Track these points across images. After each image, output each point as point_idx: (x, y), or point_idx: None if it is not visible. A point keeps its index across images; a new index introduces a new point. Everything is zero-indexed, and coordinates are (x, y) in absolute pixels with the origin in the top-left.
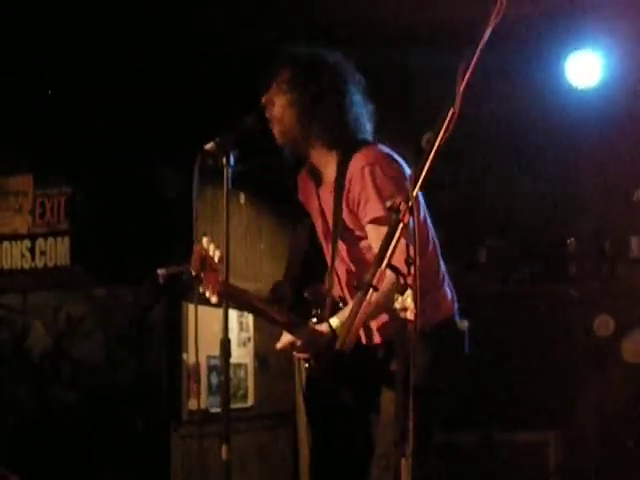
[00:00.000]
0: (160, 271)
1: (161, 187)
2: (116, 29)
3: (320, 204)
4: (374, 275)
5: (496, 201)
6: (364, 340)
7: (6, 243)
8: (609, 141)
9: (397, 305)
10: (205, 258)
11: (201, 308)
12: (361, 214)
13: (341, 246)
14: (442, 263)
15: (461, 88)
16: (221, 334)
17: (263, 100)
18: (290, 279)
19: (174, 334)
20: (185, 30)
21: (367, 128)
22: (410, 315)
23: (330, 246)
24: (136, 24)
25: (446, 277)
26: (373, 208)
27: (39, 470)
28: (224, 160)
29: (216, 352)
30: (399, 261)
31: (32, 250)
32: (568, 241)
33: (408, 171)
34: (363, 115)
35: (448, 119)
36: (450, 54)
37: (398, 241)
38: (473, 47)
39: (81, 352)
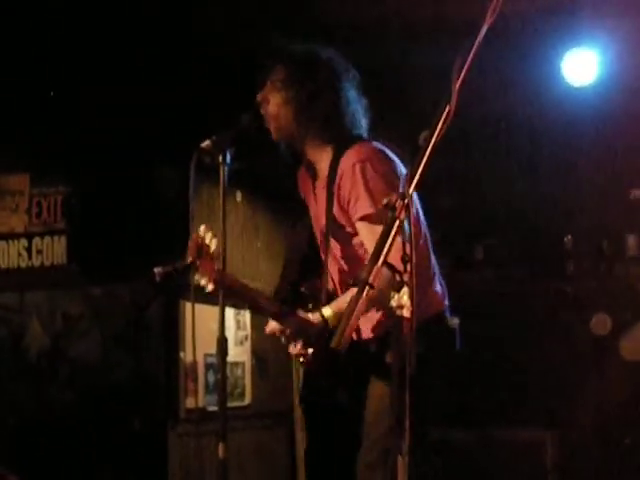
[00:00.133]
0: (157, 269)
1: (157, 186)
2: (115, 28)
3: (316, 200)
4: (370, 273)
5: (493, 199)
6: (354, 336)
7: (3, 242)
8: (606, 139)
9: (393, 303)
10: (202, 246)
11: (198, 306)
12: (351, 211)
13: (334, 244)
14: (433, 258)
15: (457, 86)
16: (218, 332)
17: (258, 98)
18: (287, 278)
19: (171, 333)
20: (185, 30)
21: (362, 124)
22: (406, 313)
23: (324, 244)
24: (135, 24)
25: (437, 272)
26: (363, 206)
27: (37, 469)
28: (220, 158)
29: (213, 350)
30: (395, 259)
31: (29, 249)
32: (565, 239)
33: (401, 168)
34: (358, 111)
35: (444, 117)
36: (447, 52)
37: (394, 239)
38: (469, 44)
39: (78, 351)
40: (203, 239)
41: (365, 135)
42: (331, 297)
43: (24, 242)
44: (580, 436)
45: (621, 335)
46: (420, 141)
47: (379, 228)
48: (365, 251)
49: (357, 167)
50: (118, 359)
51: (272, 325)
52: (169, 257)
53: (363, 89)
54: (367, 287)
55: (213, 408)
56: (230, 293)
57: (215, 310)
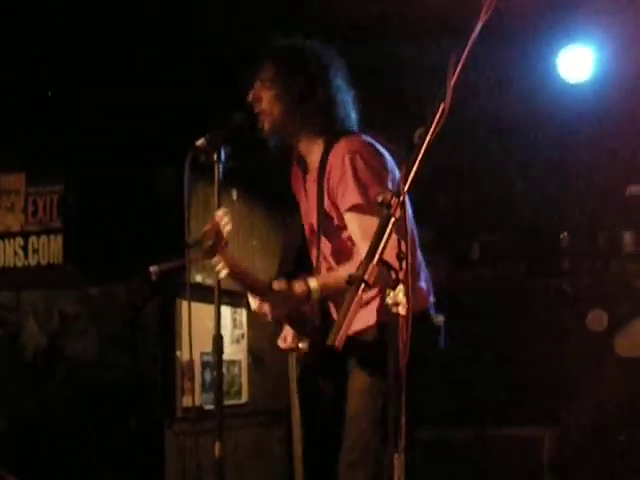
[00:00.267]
0: (152, 268)
1: (154, 185)
2: (114, 28)
3: (306, 195)
4: (365, 270)
5: (489, 196)
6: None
7: None
8: (602, 136)
9: (389, 300)
10: (219, 231)
11: (194, 305)
12: (340, 202)
13: (323, 241)
14: (419, 254)
15: (452, 82)
16: (214, 331)
17: (250, 97)
18: (283, 275)
19: (167, 331)
20: (184, 29)
21: (352, 115)
22: (402, 310)
23: (315, 239)
24: (135, 23)
25: (423, 269)
26: (351, 196)
27: (33, 468)
28: (215, 156)
29: (210, 349)
30: (390, 256)
31: (25, 248)
32: (561, 236)
33: (391, 163)
34: (348, 101)
35: (439, 114)
36: (442, 48)
37: (389, 236)
38: (464, 41)
39: (75, 350)
40: (220, 223)
41: (355, 128)
42: None
43: (20, 241)
44: (577, 433)
45: (617, 332)
46: (415, 138)
47: (367, 219)
48: (353, 244)
49: (346, 158)
50: (115, 358)
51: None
52: (165, 256)
53: (363, 88)
54: (363, 284)
55: (210, 407)
56: (236, 277)
57: (211, 308)
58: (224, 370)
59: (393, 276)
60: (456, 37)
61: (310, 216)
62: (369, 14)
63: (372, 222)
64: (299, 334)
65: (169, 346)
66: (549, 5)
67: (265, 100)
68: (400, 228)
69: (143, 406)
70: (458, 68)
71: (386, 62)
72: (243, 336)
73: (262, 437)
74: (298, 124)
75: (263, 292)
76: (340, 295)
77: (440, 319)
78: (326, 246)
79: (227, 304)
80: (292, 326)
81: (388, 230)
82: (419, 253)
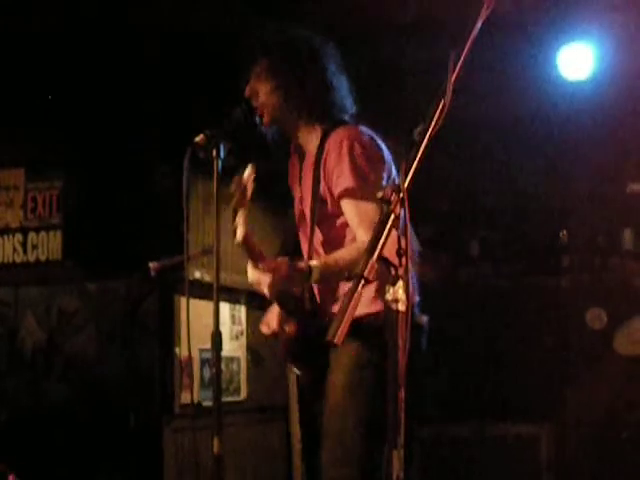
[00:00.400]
0: (152, 264)
1: (153, 181)
2: (112, 26)
3: (301, 183)
4: (365, 266)
5: (488, 194)
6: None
7: None
8: (602, 133)
9: (389, 297)
10: (245, 190)
11: (193, 301)
12: (334, 186)
13: (315, 231)
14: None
15: (452, 80)
16: (213, 327)
17: (247, 92)
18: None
19: (166, 328)
20: (182, 26)
21: (349, 100)
22: (402, 307)
23: (307, 228)
24: (133, 20)
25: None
26: (347, 180)
27: (31, 464)
28: (214, 152)
29: (208, 345)
30: (390, 252)
31: (24, 244)
32: (561, 234)
33: (388, 156)
34: (343, 87)
35: (439, 111)
36: (442, 46)
37: (389, 232)
38: (464, 39)
39: (73, 346)
40: (248, 180)
41: (353, 114)
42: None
43: (19, 237)
44: (575, 431)
45: (616, 330)
46: (414, 135)
47: (363, 204)
48: (348, 232)
49: (344, 143)
50: (113, 354)
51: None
52: (164, 252)
53: (363, 85)
54: (362, 281)
55: (208, 403)
56: (247, 243)
57: (210, 305)
58: (223, 367)
59: (392, 272)
60: (455, 35)
61: (304, 204)
62: (361, 8)
63: (367, 207)
64: (288, 315)
65: (168, 342)
66: (549, 3)
67: (262, 93)
68: (400, 225)
69: (141, 402)
70: (458, 65)
71: (378, 56)
72: (242, 333)
73: (261, 434)
74: (296, 112)
75: (268, 265)
76: (335, 278)
77: (424, 319)
78: (317, 236)
79: (226, 301)
80: (282, 306)
81: (388, 226)
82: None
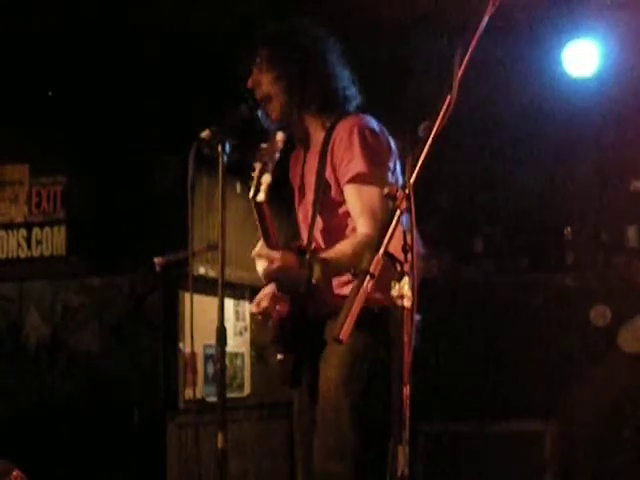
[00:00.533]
0: (157, 259)
1: (157, 176)
2: (114, 22)
3: (304, 172)
4: (370, 262)
5: (492, 191)
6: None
7: (2, 232)
8: (606, 130)
9: (394, 293)
10: (276, 150)
11: (197, 297)
12: (343, 171)
13: (317, 222)
14: None
15: (458, 76)
16: (217, 323)
17: (250, 84)
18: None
19: (170, 323)
20: (185, 22)
21: (353, 88)
22: (407, 303)
23: (308, 216)
24: (134, 16)
25: None
26: (357, 164)
27: (35, 460)
28: (220, 148)
29: (212, 341)
30: (396, 248)
31: (28, 239)
32: (565, 230)
33: (394, 149)
34: (345, 77)
35: (445, 107)
36: (446, 42)
37: (395, 228)
38: (470, 35)
39: (77, 341)
40: (280, 143)
41: (357, 102)
42: None
43: (24, 232)
44: (579, 428)
45: (620, 327)
46: (420, 132)
47: (368, 190)
48: (350, 221)
49: (355, 130)
50: (117, 349)
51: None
52: (168, 247)
53: (367, 82)
54: (368, 277)
55: (212, 399)
56: (265, 209)
57: (214, 301)
58: (227, 362)
59: (398, 269)
60: (460, 31)
61: (307, 190)
62: (365, 2)
63: (372, 194)
64: (282, 293)
65: (172, 338)
66: (554, 0)
67: (265, 83)
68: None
69: (145, 398)
70: (464, 62)
71: (382, 51)
72: (246, 328)
73: (264, 430)
74: (298, 100)
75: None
76: (337, 274)
77: (416, 317)
78: (318, 223)
79: (230, 296)
80: (278, 284)
81: (394, 223)
82: None
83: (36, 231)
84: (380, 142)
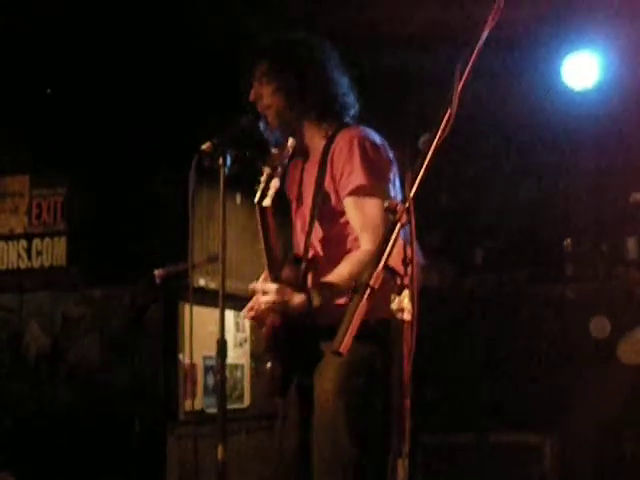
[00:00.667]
0: (157, 271)
1: (157, 188)
2: (115, 32)
3: (302, 182)
4: (371, 275)
5: (493, 203)
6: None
7: (2, 243)
8: (606, 142)
9: (394, 306)
10: (284, 159)
11: (197, 309)
12: (343, 183)
13: (315, 228)
14: None
15: (458, 90)
16: (217, 334)
17: (251, 97)
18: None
19: (170, 334)
20: (186, 34)
21: (351, 98)
22: (407, 316)
23: (306, 225)
24: (135, 27)
25: None
26: (359, 177)
27: (35, 471)
28: (220, 160)
29: (212, 352)
30: (396, 262)
31: (29, 250)
32: (565, 242)
33: (393, 159)
34: (344, 84)
35: (445, 121)
36: (446, 55)
37: (395, 242)
38: (470, 49)
39: (77, 352)
40: (289, 149)
41: (355, 118)
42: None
43: (24, 243)
44: (578, 440)
45: (620, 339)
46: (420, 144)
47: (369, 202)
48: (351, 230)
49: (355, 141)
50: (117, 361)
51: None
52: (168, 259)
53: (364, 96)
54: (368, 289)
55: (212, 410)
56: (263, 217)
57: (214, 312)
58: (227, 374)
59: (398, 282)
60: (460, 45)
61: (304, 198)
62: (365, 15)
63: (373, 208)
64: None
65: (172, 349)
66: (554, 13)
67: (265, 95)
68: (406, 234)
69: (145, 409)
70: (465, 75)
71: (382, 63)
72: (246, 340)
73: (264, 441)
74: (299, 112)
75: (271, 260)
76: (337, 297)
77: None
78: (317, 232)
79: (230, 308)
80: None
81: (394, 236)
82: None
83: (36, 242)
84: (380, 154)
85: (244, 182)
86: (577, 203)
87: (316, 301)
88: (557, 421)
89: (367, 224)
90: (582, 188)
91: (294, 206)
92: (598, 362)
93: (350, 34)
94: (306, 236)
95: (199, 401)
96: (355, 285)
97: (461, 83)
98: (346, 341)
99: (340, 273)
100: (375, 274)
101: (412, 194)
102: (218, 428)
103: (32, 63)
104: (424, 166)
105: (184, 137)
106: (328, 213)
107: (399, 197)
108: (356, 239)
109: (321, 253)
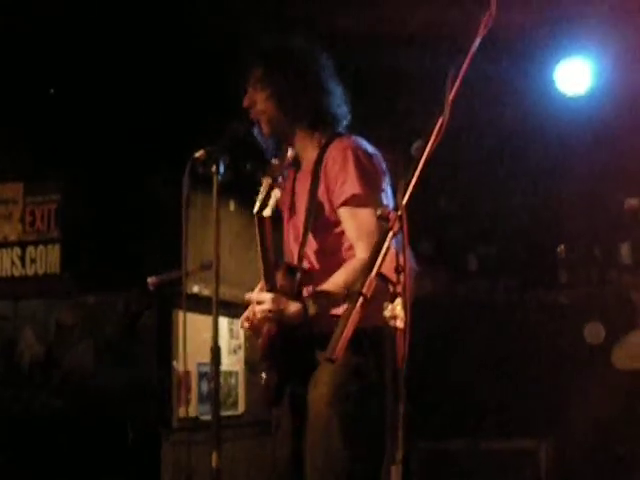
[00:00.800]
0: (150, 279)
1: (151, 195)
2: (110, 37)
3: (294, 191)
4: (364, 283)
5: (486, 209)
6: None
7: None
8: (599, 148)
9: (387, 313)
10: (285, 169)
11: (191, 316)
12: (337, 192)
13: (310, 240)
14: None
15: (450, 97)
16: (211, 341)
17: (245, 103)
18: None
19: (164, 341)
20: (182, 38)
21: (344, 107)
22: (400, 323)
23: (299, 236)
24: (130, 31)
25: None
26: (353, 186)
27: (28, 477)
28: (214, 168)
29: (206, 359)
30: (388, 269)
31: (22, 258)
32: (558, 248)
33: (385, 168)
34: (338, 93)
35: (438, 128)
36: (438, 58)
37: (388, 249)
38: (463, 56)
39: (71, 359)
40: (291, 160)
41: (347, 127)
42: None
43: (18, 251)
44: (573, 445)
45: (614, 344)
46: (412, 151)
47: (363, 211)
48: (345, 239)
49: (349, 151)
50: (111, 368)
51: (257, 293)
52: (162, 266)
53: (356, 93)
54: (361, 298)
55: (206, 417)
56: (262, 227)
57: (208, 319)
58: (221, 381)
59: (391, 289)
60: (452, 50)
61: (297, 208)
62: (357, 18)
63: (368, 217)
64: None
65: (166, 356)
66: (546, 19)
67: (259, 101)
68: (399, 242)
69: (139, 416)
70: (457, 83)
71: (374, 68)
72: (240, 347)
73: (258, 448)
74: (292, 120)
75: (268, 270)
76: (333, 305)
77: None
78: (311, 243)
79: (224, 315)
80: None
81: (386, 244)
82: None
83: (30, 249)
84: (373, 164)
85: (238, 189)
86: (570, 209)
87: (312, 310)
88: (552, 426)
89: (362, 233)
90: (575, 194)
91: (286, 215)
92: (593, 367)
93: (342, 37)
94: (300, 247)
95: (193, 408)
96: (348, 293)
97: (453, 90)
98: (339, 348)
99: (336, 282)
100: (368, 282)
101: (404, 201)
102: (212, 435)
103: (29, 65)
104: (416, 173)
105: (182, 142)
106: (322, 224)
107: (392, 205)
108: (350, 248)
109: (316, 265)
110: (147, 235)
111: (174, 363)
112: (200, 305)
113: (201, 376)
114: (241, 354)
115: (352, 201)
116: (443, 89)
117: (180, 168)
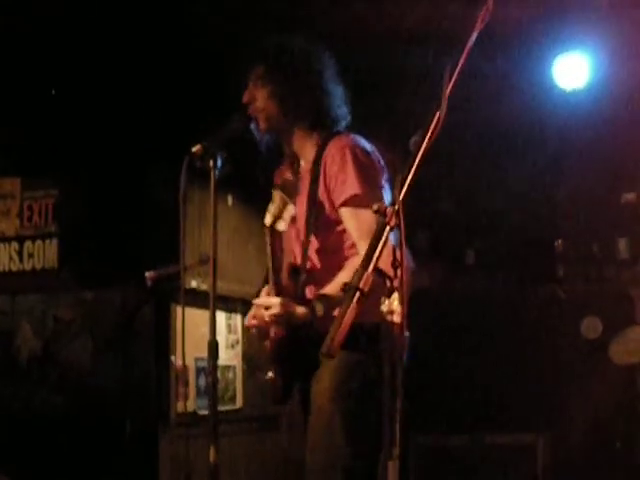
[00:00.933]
0: (148, 273)
1: (149, 190)
2: (107, 34)
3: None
4: (360, 279)
5: (484, 203)
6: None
7: None
8: (597, 143)
9: (384, 308)
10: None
11: (189, 310)
12: (337, 192)
13: (312, 242)
14: None
15: (447, 92)
16: (209, 336)
17: (245, 99)
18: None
19: (162, 336)
20: (180, 35)
21: (344, 107)
22: (397, 318)
23: (300, 235)
24: (128, 28)
25: None
26: (353, 186)
27: (26, 473)
28: (211, 162)
29: (204, 354)
30: (386, 264)
31: (20, 253)
32: (556, 243)
33: (383, 165)
34: (339, 94)
35: (434, 123)
36: (436, 55)
37: (385, 244)
38: (460, 50)
39: (69, 355)
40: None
41: (348, 121)
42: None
43: (15, 246)
44: (571, 440)
45: (611, 339)
46: (410, 146)
47: (364, 212)
48: (347, 238)
49: (347, 150)
50: (109, 363)
51: (264, 297)
52: (160, 261)
53: (356, 91)
54: (358, 293)
55: (204, 412)
56: (273, 239)
57: (206, 314)
58: (219, 375)
59: (388, 284)
60: (449, 46)
61: (298, 210)
62: (354, 15)
63: (369, 217)
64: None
65: (163, 351)
66: (544, 13)
67: (259, 98)
68: (396, 237)
69: (137, 411)
70: (454, 78)
71: (372, 64)
72: (238, 341)
73: (256, 443)
74: (291, 118)
75: (276, 276)
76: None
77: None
78: (313, 243)
79: (222, 309)
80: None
81: (383, 238)
82: None
83: (28, 244)
84: (372, 161)
85: (236, 184)
86: (568, 204)
87: (319, 312)
88: (550, 421)
89: (364, 232)
90: (573, 189)
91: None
92: (590, 362)
93: (340, 35)
94: (302, 247)
95: (191, 403)
96: (345, 288)
97: (450, 85)
98: (336, 343)
99: (340, 282)
100: (365, 277)
101: (401, 196)
102: (210, 430)
103: (28, 64)
104: (413, 168)
105: (176, 138)
106: (323, 223)
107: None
108: (352, 246)
109: (318, 265)
110: (145, 230)
111: (172, 358)
112: (198, 300)
113: (199, 371)
114: (239, 349)
115: (352, 201)
116: (440, 84)
117: (178, 164)
